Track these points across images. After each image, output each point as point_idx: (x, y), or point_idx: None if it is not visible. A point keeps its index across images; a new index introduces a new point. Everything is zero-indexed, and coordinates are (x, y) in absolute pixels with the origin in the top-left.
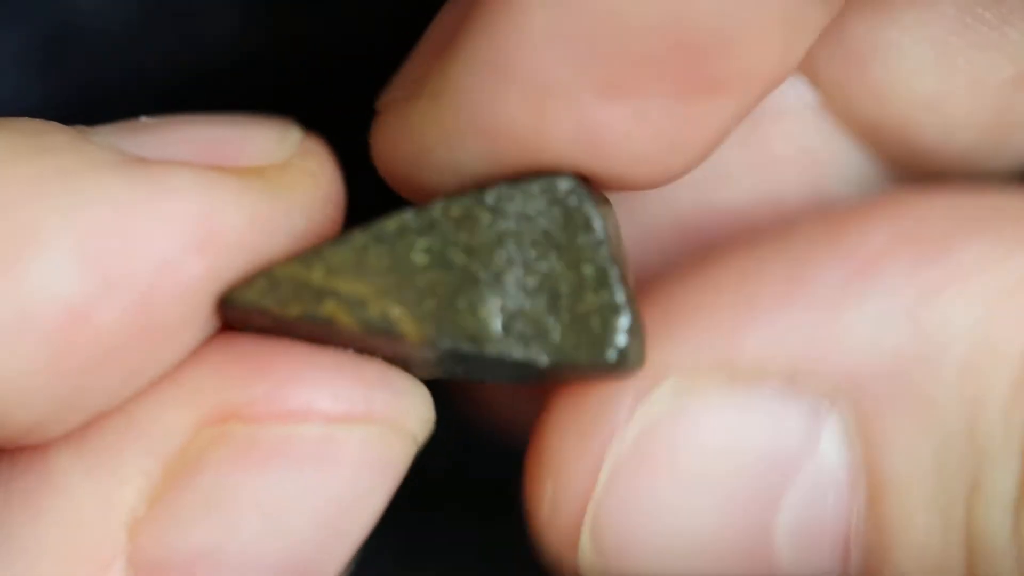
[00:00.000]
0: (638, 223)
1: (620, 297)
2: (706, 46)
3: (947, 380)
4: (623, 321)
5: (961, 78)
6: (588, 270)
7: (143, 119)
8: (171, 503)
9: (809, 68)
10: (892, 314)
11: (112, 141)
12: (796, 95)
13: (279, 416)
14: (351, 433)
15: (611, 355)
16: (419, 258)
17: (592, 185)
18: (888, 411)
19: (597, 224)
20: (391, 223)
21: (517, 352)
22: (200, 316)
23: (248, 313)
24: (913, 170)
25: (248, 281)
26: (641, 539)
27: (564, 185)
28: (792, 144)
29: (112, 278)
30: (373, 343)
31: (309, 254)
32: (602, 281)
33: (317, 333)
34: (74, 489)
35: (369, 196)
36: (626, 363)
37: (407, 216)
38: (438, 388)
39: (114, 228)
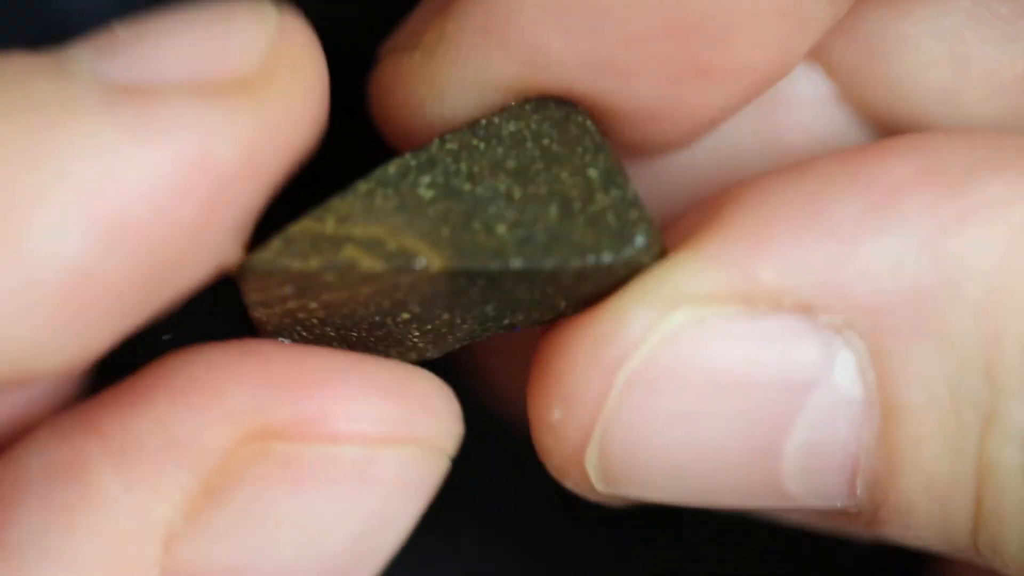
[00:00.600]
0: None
1: (630, 192)
2: (699, 32)
3: (965, 314)
4: (637, 212)
5: (976, 72)
6: (593, 173)
7: (118, 30)
8: (208, 518)
9: (825, 59)
10: (911, 246)
11: (93, 67)
12: (811, 86)
13: (322, 437)
14: (391, 454)
15: (638, 242)
16: (425, 193)
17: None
18: (904, 342)
19: (593, 131)
20: (392, 167)
21: (543, 260)
22: (202, 250)
23: (268, 279)
24: None
25: (263, 245)
26: (649, 457)
27: (554, 104)
28: (806, 134)
29: (113, 232)
30: (397, 289)
31: (317, 209)
32: (609, 180)
33: (342, 293)
34: (112, 504)
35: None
36: (649, 252)
37: (406, 158)
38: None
39: (110, 181)
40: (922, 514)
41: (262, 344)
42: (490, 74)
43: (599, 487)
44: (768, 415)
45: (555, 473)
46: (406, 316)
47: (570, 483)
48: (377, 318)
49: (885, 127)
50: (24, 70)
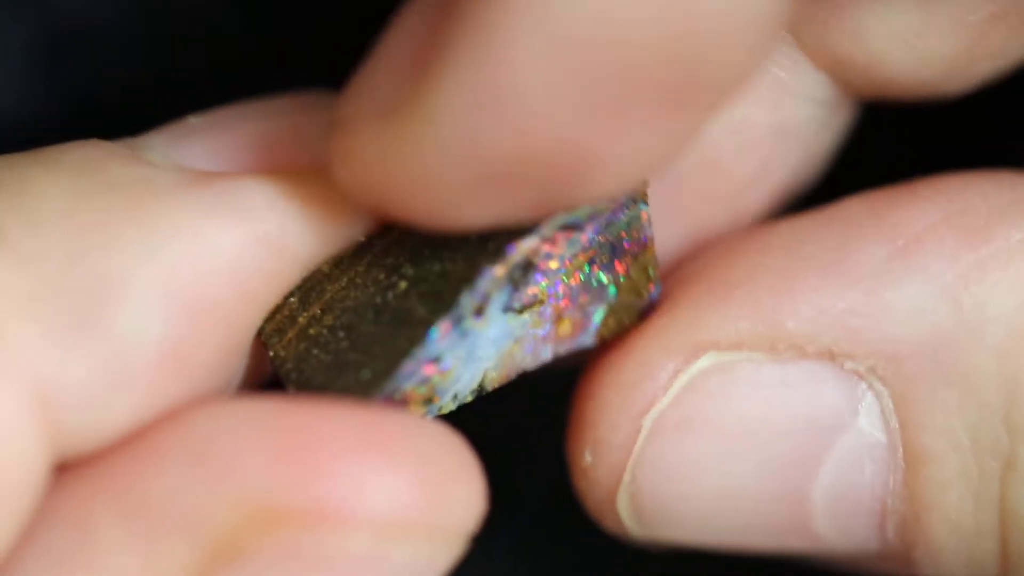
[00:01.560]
0: None
1: None
2: (693, 60)
3: (985, 360)
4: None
5: (941, 17)
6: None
7: (190, 119)
8: None
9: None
10: (933, 294)
11: (168, 155)
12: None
13: (332, 524)
14: (402, 548)
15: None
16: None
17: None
18: (925, 388)
19: None
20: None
21: None
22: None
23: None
24: (872, 94)
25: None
26: (678, 501)
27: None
28: (761, 80)
29: (198, 313)
30: (388, 254)
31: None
32: None
33: (340, 281)
34: (116, 566)
35: None
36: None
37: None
38: None
39: (194, 262)
40: (950, 558)
41: (282, 402)
42: (481, 144)
43: (632, 529)
44: (795, 460)
45: (593, 515)
46: (403, 284)
47: (607, 524)
48: (378, 299)
49: (839, 69)
50: (101, 154)
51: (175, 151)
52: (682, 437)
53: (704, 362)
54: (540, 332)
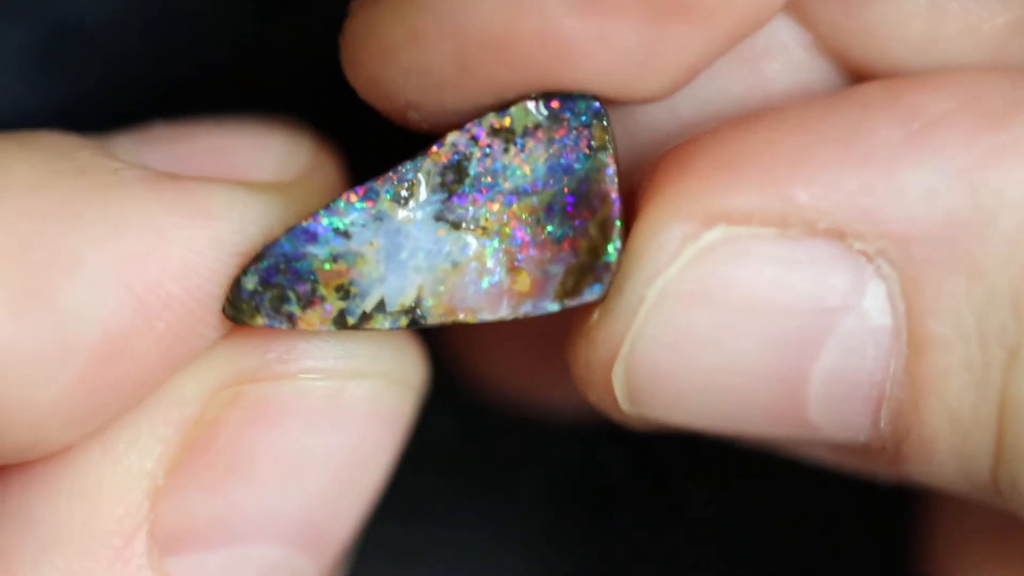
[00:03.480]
0: (636, 159)
1: None
2: None
3: (996, 247)
4: None
5: (953, 23)
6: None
7: (157, 127)
8: (189, 469)
9: (802, 10)
10: (947, 177)
11: (136, 154)
12: (790, 35)
13: (290, 374)
14: (359, 386)
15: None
16: None
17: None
18: (934, 273)
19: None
20: None
21: None
22: (219, 322)
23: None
24: None
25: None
26: (676, 375)
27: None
28: (788, 80)
29: (149, 303)
30: None
31: None
32: None
33: None
34: (93, 466)
35: None
36: None
37: None
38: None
39: (152, 253)
40: (943, 448)
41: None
42: (470, 17)
43: (623, 404)
44: (797, 339)
45: (581, 385)
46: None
47: (594, 396)
48: None
49: (859, 74)
50: (69, 142)
51: (142, 152)
52: (686, 309)
53: (714, 234)
54: (490, 276)
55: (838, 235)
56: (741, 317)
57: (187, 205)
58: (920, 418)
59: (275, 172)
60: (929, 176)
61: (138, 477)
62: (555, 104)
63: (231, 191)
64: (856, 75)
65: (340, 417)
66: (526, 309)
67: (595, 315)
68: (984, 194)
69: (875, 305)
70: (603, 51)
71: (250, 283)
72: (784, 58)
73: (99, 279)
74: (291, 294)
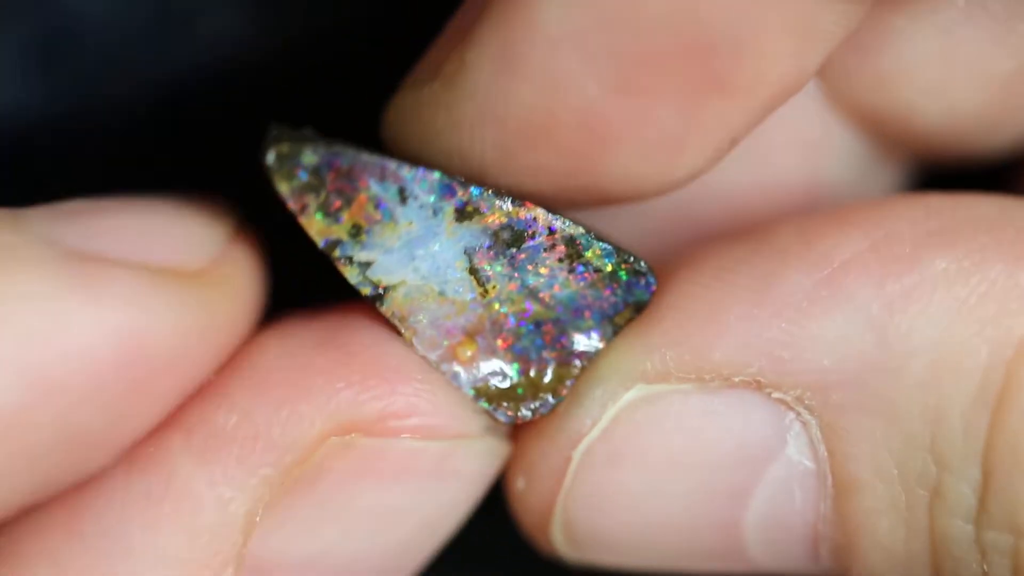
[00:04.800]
0: (637, 208)
1: None
2: (715, 48)
3: (909, 390)
4: None
5: (964, 68)
6: None
7: (76, 202)
8: (288, 510)
9: None
10: (858, 324)
11: (47, 229)
12: None
13: (406, 432)
14: (468, 449)
15: None
16: None
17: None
18: (851, 418)
19: None
20: None
21: None
22: (129, 424)
23: None
24: (912, 153)
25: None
26: (610, 528)
27: None
28: (790, 130)
29: (42, 387)
30: None
31: None
32: None
33: None
34: (196, 498)
35: None
36: None
37: None
38: None
39: (47, 334)
40: None
41: (341, 325)
42: (510, 104)
43: (565, 551)
44: (725, 490)
45: (528, 538)
46: None
47: (542, 548)
48: None
49: (871, 119)
50: None
51: (54, 228)
52: (611, 470)
53: (632, 394)
54: (454, 322)
55: (755, 385)
56: (666, 474)
57: (89, 291)
58: (857, 555)
59: (190, 256)
60: (839, 323)
61: (236, 514)
62: (626, 266)
63: (138, 278)
64: (866, 119)
65: (445, 477)
66: (447, 369)
67: (519, 481)
68: (894, 338)
69: (798, 450)
70: (642, 130)
71: (310, 157)
72: (788, 107)
73: None
74: (323, 194)
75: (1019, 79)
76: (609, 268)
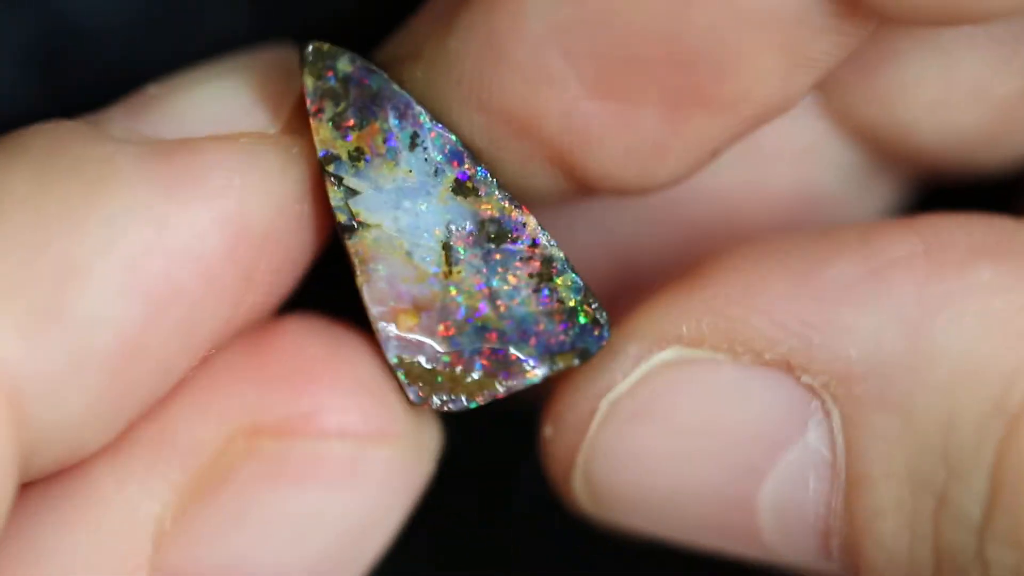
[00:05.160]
0: (630, 209)
1: None
2: (697, 61)
3: (929, 393)
4: None
5: (963, 87)
6: None
7: (150, 89)
8: (197, 516)
9: None
10: (892, 320)
11: (128, 126)
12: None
13: (310, 433)
14: (379, 451)
15: None
16: None
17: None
18: (870, 413)
19: None
20: None
21: None
22: (242, 312)
23: None
24: (908, 169)
25: None
26: (628, 488)
27: None
28: (785, 140)
29: (160, 298)
30: None
31: None
32: None
33: None
34: (105, 500)
35: None
36: None
37: None
38: None
39: (154, 247)
40: None
41: (278, 328)
42: (493, 94)
43: (587, 507)
44: (742, 466)
45: (555, 488)
46: None
47: (566, 500)
48: None
49: (869, 134)
50: (62, 135)
51: (134, 122)
52: (635, 426)
53: (666, 354)
54: (408, 287)
55: (785, 366)
56: (687, 439)
57: (185, 186)
58: (863, 554)
59: (268, 118)
60: (874, 316)
61: (145, 519)
62: (587, 309)
63: (228, 159)
64: (863, 134)
65: (357, 482)
66: (383, 328)
67: (548, 429)
68: (923, 340)
69: (818, 438)
70: (622, 134)
71: (345, 65)
72: (785, 117)
73: (105, 285)
74: (341, 105)
75: (1018, 101)
76: (572, 303)
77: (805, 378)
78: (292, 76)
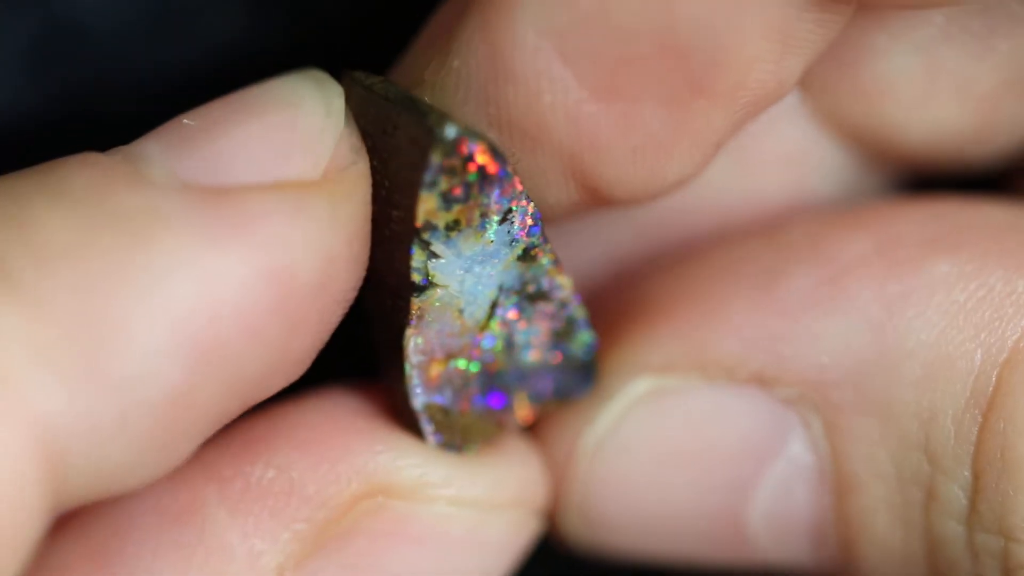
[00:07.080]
0: (624, 219)
1: None
2: (691, 52)
3: (905, 390)
4: None
5: (946, 84)
6: None
7: (185, 120)
8: (319, 567)
9: None
10: (858, 324)
11: (168, 168)
12: None
13: (442, 499)
14: (500, 519)
15: None
16: None
17: None
18: (850, 416)
19: None
20: None
21: None
22: (288, 364)
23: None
24: (898, 167)
25: None
26: (618, 514)
27: None
28: (775, 145)
29: (206, 354)
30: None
31: None
32: None
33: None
34: (228, 549)
35: None
36: None
37: None
38: None
39: (200, 300)
40: None
41: (383, 394)
42: (500, 109)
43: (580, 541)
44: (728, 484)
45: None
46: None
47: (554, 533)
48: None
49: (855, 135)
50: (104, 178)
51: (175, 163)
52: (617, 459)
53: (639, 386)
54: (451, 333)
55: (759, 382)
56: (671, 465)
57: (232, 239)
58: (856, 552)
59: (315, 162)
60: (839, 323)
61: (268, 569)
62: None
63: (274, 209)
64: (850, 134)
65: (476, 546)
66: (416, 375)
67: None
68: (891, 339)
69: (801, 447)
70: (628, 134)
71: (482, 158)
72: (773, 120)
73: (150, 342)
74: (456, 180)
75: (1001, 95)
76: (583, 359)
77: (780, 391)
78: (330, 109)
